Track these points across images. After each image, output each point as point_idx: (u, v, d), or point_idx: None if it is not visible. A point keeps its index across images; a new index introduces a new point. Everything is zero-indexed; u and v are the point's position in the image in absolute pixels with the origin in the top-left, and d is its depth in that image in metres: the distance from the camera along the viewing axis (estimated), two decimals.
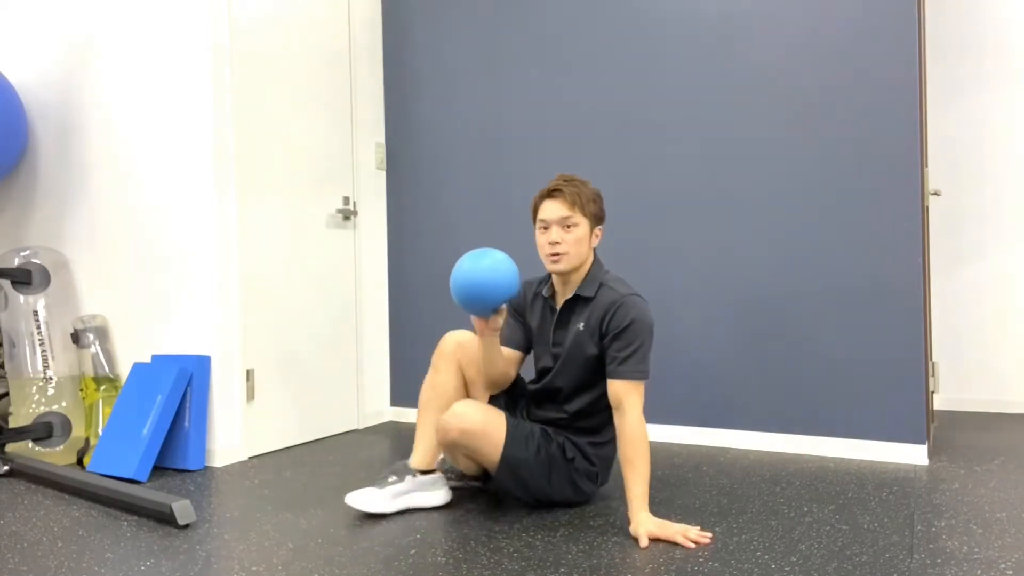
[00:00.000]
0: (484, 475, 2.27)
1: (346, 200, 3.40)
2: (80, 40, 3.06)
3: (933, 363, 3.43)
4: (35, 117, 3.20)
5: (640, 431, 1.94)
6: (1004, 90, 3.60)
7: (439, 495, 2.18)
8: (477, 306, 1.93)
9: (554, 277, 2.17)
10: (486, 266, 1.90)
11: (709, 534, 1.87)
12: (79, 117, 3.08)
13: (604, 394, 2.09)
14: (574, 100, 3.20)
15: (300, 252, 3.16)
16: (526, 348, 2.27)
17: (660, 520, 1.89)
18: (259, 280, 2.97)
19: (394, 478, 2.13)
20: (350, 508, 2.19)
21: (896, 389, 2.63)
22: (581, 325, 2.08)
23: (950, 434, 3.08)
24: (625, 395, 1.96)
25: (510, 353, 2.25)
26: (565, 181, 2.07)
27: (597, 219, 2.10)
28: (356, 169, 3.47)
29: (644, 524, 1.86)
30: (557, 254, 2.05)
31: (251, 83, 2.94)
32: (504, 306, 1.99)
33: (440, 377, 2.20)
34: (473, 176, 3.43)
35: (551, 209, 2.05)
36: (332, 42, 3.36)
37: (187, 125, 2.80)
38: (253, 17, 2.97)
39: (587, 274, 2.12)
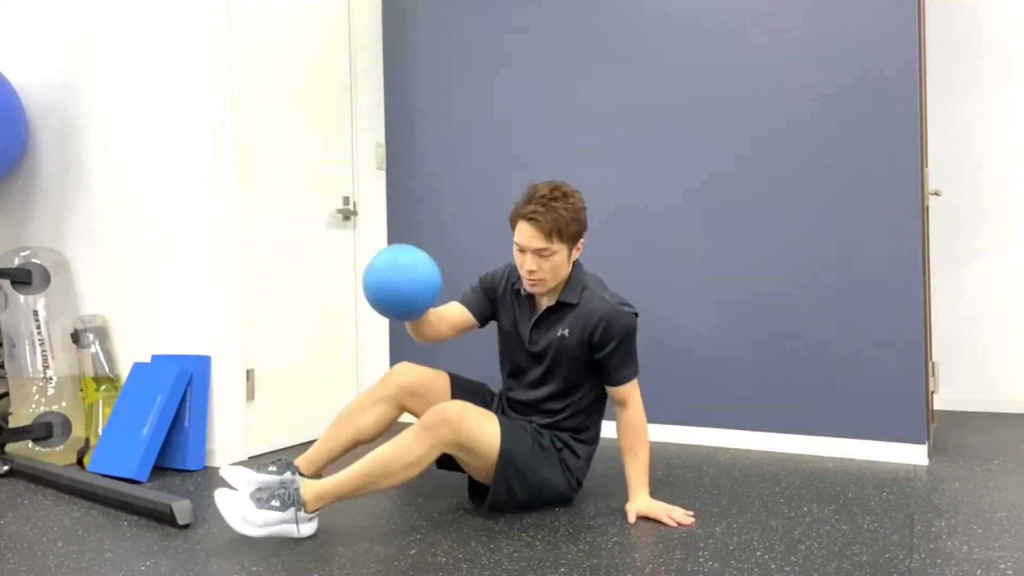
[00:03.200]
0: (474, 495, 2.21)
1: (346, 200, 3.40)
2: (80, 41, 3.06)
3: (933, 363, 3.43)
4: (35, 118, 3.20)
5: (641, 422, 2.08)
6: (1004, 90, 3.60)
7: (310, 527, 1.93)
8: (400, 317, 1.87)
9: None
10: (408, 279, 1.82)
11: (691, 513, 2.03)
12: (79, 118, 3.08)
13: (587, 395, 2.13)
14: (574, 100, 3.20)
15: (300, 252, 3.16)
16: (480, 320, 2.21)
17: (652, 500, 2.05)
18: (259, 280, 2.97)
19: (276, 503, 1.85)
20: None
21: (896, 389, 2.63)
22: (566, 331, 2.06)
23: (950, 434, 3.08)
24: (627, 395, 2.08)
25: (461, 315, 2.18)
26: (543, 205, 1.94)
27: (576, 238, 2.02)
28: (356, 169, 3.47)
29: (638, 503, 2.03)
30: (535, 280, 2.01)
31: (251, 83, 2.94)
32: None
33: (369, 407, 2.16)
34: (473, 176, 3.43)
35: (527, 235, 1.96)
36: (332, 42, 3.36)
37: (187, 125, 2.80)
38: (253, 17, 2.97)
39: (568, 280, 2.09)
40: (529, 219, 1.95)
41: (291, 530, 1.87)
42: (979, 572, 1.61)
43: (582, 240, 2.06)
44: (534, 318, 2.13)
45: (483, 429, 1.95)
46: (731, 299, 2.90)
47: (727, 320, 2.91)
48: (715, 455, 2.77)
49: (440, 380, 2.22)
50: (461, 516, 2.08)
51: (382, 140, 3.63)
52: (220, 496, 1.84)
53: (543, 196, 1.96)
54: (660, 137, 3.03)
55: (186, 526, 2.03)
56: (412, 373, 2.18)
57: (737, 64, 2.89)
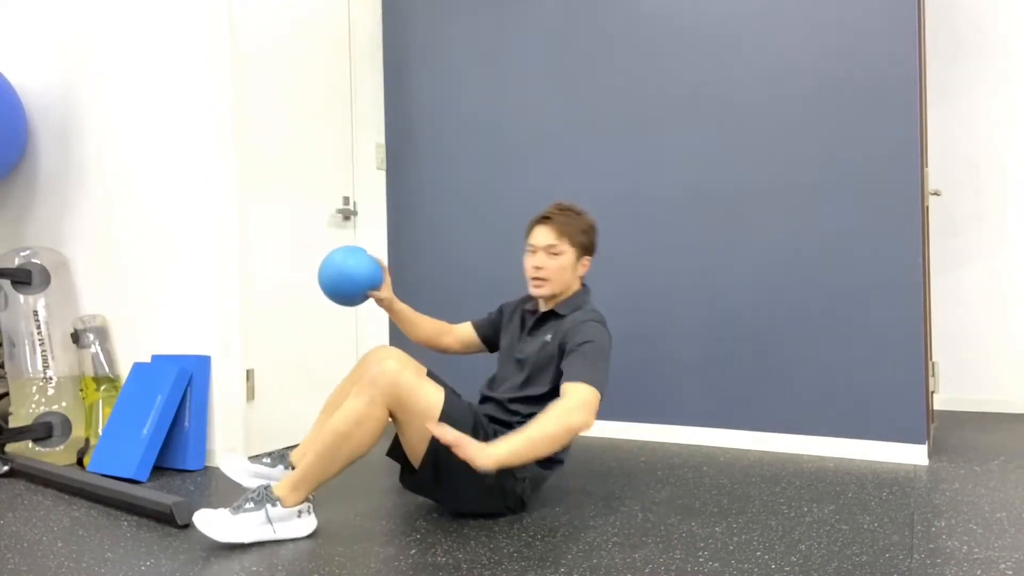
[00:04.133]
0: (403, 471, 2.10)
1: (346, 200, 3.40)
2: (80, 42, 3.06)
3: (933, 363, 3.43)
4: (35, 118, 3.20)
5: (565, 415, 1.81)
6: (1004, 90, 3.60)
7: (301, 525, 1.92)
8: (344, 298, 2.16)
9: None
10: (342, 265, 2.13)
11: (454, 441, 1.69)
12: (79, 118, 3.08)
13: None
14: (573, 99, 3.20)
15: (300, 252, 3.16)
16: (485, 340, 2.37)
17: (484, 447, 1.71)
18: (259, 280, 2.97)
19: (250, 505, 1.85)
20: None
21: (896, 389, 2.63)
22: (549, 337, 2.11)
23: (950, 434, 3.08)
24: (570, 389, 1.88)
25: (467, 331, 2.38)
26: (559, 210, 2.14)
27: (585, 249, 2.16)
28: (356, 169, 3.47)
29: (482, 446, 1.71)
30: (539, 279, 2.12)
31: (251, 83, 2.94)
32: (371, 292, 2.17)
33: (349, 386, 2.19)
34: (473, 176, 3.43)
35: (540, 234, 2.13)
36: (332, 42, 3.37)
37: (187, 125, 2.80)
38: (253, 18, 2.97)
39: (569, 298, 2.17)
40: (543, 219, 2.14)
41: (268, 531, 1.86)
42: (979, 572, 1.61)
43: (588, 258, 2.18)
44: (528, 326, 2.19)
45: (423, 387, 1.89)
46: (731, 299, 2.90)
47: (727, 320, 2.91)
48: (715, 455, 2.77)
49: (416, 365, 2.08)
50: (461, 516, 2.08)
51: (382, 140, 3.63)
52: (198, 516, 1.82)
53: (558, 204, 2.18)
54: (660, 137, 3.03)
55: (186, 526, 2.03)
56: (387, 354, 2.09)
57: (737, 65, 2.89)
